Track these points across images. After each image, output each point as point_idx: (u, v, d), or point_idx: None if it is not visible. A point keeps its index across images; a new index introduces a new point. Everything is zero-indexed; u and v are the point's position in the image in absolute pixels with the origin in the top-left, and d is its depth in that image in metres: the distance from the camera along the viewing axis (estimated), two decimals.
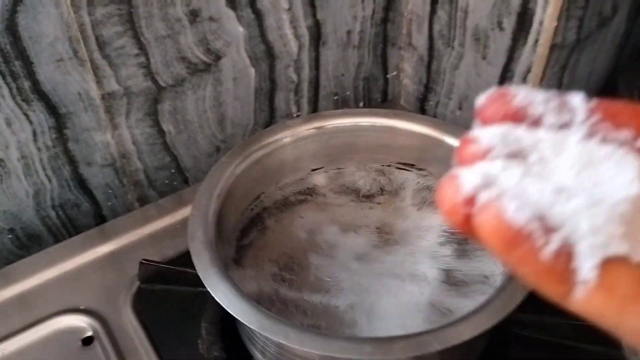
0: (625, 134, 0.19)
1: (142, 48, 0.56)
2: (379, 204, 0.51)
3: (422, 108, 0.78)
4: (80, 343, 0.51)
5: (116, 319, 0.52)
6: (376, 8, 0.70)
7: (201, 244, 0.39)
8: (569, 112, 0.20)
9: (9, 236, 0.60)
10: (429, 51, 0.73)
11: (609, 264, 0.17)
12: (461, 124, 0.69)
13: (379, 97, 0.79)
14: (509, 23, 0.62)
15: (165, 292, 0.52)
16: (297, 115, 0.72)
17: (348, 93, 0.76)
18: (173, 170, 0.66)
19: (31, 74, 0.52)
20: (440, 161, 0.50)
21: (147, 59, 0.57)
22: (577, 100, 0.20)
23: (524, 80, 0.65)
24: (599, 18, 0.62)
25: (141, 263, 0.52)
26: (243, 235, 0.47)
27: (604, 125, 0.19)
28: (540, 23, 0.59)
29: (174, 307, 0.51)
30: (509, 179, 0.17)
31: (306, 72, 0.69)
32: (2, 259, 0.60)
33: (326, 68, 0.71)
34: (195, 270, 0.50)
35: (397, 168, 0.53)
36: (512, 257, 0.17)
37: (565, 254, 0.17)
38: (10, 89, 0.52)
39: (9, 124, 0.53)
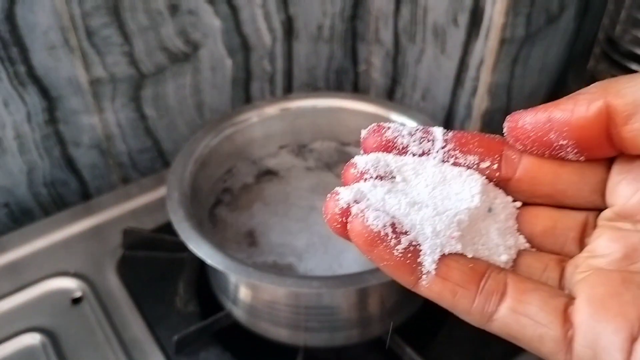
0: (472, 158, 0.24)
1: (126, 38, 0.62)
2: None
3: (390, 99, 0.84)
4: (70, 302, 0.56)
5: (102, 282, 0.57)
6: (345, 5, 0.76)
7: (177, 202, 0.45)
8: (430, 141, 0.25)
9: (4, 210, 0.65)
10: (394, 46, 0.79)
11: (446, 259, 0.22)
12: (424, 113, 0.75)
13: (350, 89, 0.85)
14: (463, 19, 0.69)
15: (147, 258, 0.58)
16: None
17: (320, 85, 0.82)
18: (155, 153, 0.72)
19: (26, 60, 0.57)
20: None
21: (131, 48, 0.63)
22: (437, 131, 0.25)
23: (477, 71, 0.71)
24: (546, 15, 0.69)
25: (125, 231, 0.57)
26: (216, 203, 0.52)
27: (456, 152, 0.24)
28: (490, 19, 0.66)
29: (155, 271, 0.57)
30: (375, 195, 0.23)
31: (280, 64, 0.75)
32: None
33: (299, 60, 0.77)
34: (173, 237, 0.56)
35: (355, 147, 0.59)
36: (372, 255, 0.22)
37: (414, 252, 0.22)
38: (8, 73, 0.57)
39: (6, 104, 0.59)
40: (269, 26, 0.71)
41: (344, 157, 0.62)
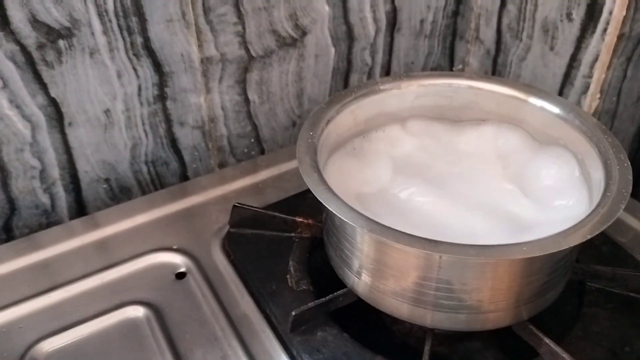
0: None
1: (240, 17, 0.61)
2: None
3: None
4: (174, 277, 0.54)
5: (207, 258, 0.56)
6: (449, 0, 0.74)
7: (309, 166, 0.43)
8: None
9: (104, 186, 0.65)
10: (496, 44, 0.77)
11: None
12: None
13: None
14: (578, 14, 0.66)
15: (253, 236, 0.56)
16: None
17: None
18: (252, 140, 0.71)
19: (144, 31, 0.57)
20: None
21: (244, 28, 0.62)
22: None
23: (591, 68, 0.68)
24: None
25: (234, 206, 0.56)
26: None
27: None
28: (610, 12, 0.63)
29: (262, 249, 0.55)
30: None
31: (380, 56, 0.74)
32: (94, 207, 0.65)
33: (398, 54, 0.75)
34: (283, 215, 0.54)
35: None
36: None
37: None
38: (125, 43, 0.57)
39: (119, 75, 0.58)
40: (375, 16, 0.70)
41: None
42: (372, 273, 0.43)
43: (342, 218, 0.39)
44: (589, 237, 0.37)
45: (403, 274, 0.41)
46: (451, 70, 0.82)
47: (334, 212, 0.39)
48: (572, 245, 0.36)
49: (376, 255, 0.42)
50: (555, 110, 0.50)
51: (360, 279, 0.44)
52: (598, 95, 0.68)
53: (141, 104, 0.62)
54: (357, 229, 0.41)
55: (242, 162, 0.70)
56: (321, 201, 0.40)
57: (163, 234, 0.58)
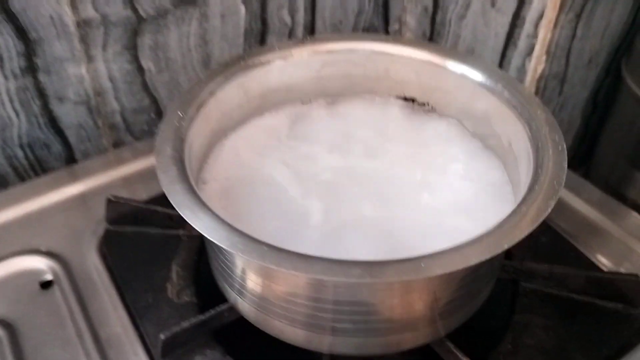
0: None
1: None
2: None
3: None
4: (38, 286, 0.45)
5: (79, 262, 0.47)
6: None
7: (168, 159, 0.34)
8: None
9: None
10: (433, 1, 0.68)
11: None
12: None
13: None
14: None
15: (135, 235, 0.47)
16: None
17: None
18: (153, 115, 0.61)
19: None
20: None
21: None
22: None
23: (535, 27, 0.59)
24: None
25: (109, 200, 0.47)
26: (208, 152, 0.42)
27: None
28: None
29: (144, 250, 0.46)
30: None
31: (301, 16, 0.64)
32: None
33: (323, 13, 0.66)
34: (167, 209, 0.45)
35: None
36: None
37: None
38: None
39: None
40: None
41: None
42: (254, 293, 0.35)
43: (197, 229, 0.30)
44: (502, 249, 0.29)
45: (291, 295, 0.33)
46: (386, 31, 0.73)
47: (188, 220, 0.31)
48: (478, 261, 0.28)
49: (256, 274, 0.34)
50: (479, 78, 0.42)
51: (243, 299, 0.36)
52: (544, 57, 0.60)
53: (5, 77, 0.51)
54: None
55: (140, 142, 0.60)
56: (174, 205, 0.31)
57: (32, 233, 0.49)
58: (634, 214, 0.51)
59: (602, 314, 0.42)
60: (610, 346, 0.40)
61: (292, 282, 0.32)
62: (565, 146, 0.35)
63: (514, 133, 0.38)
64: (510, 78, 0.41)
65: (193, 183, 0.33)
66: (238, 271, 0.35)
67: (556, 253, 0.46)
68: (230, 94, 0.42)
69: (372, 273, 0.28)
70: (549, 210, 0.31)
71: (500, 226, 0.30)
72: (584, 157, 0.78)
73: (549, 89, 0.65)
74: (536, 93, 0.63)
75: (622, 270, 0.46)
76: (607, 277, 0.42)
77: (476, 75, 0.42)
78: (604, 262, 0.47)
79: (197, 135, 0.37)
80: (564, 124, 0.70)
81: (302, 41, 0.45)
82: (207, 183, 0.40)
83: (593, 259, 0.46)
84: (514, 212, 0.31)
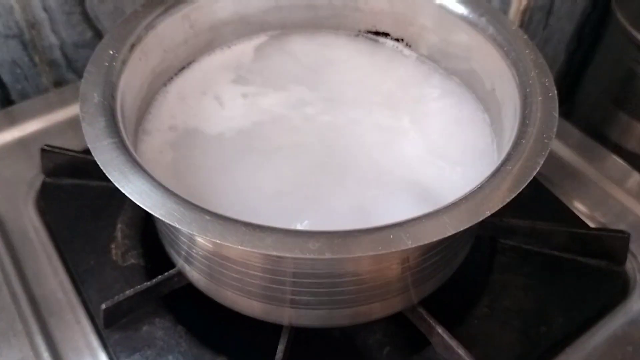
0: None
1: None
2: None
3: None
4: None
5: (14, 218, 0.42)
6: None
7: (96, 108, 0.29)
8: None
9: None
10: None
11: None
12: None
13: None
14: None
15: (75, 188, 0.42)
16: None
17: None
18: None
19: None
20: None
21: None
22: None
23: None
24: None
25: (43, 150, 0.41)
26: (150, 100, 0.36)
27: None
28: None
29: (86, 206, 0.42)
30: None
31: None
32: None
33: None
34: None
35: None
36: None
37: None
38: None
39: None
40: None
41: None
42: (202, 263, 0.31)
43: (126, 193, 0.25)
44: (483, 216, 0.25)
45: (243, 267, 0.29)
46: None
47: (115, 183, 0.26)
48: (455, 231, 0.24)
49: (202, 244, 0.29)
50: (460, 10, 0.36)
51: (191, 267, 0.32)
52: None
53: None
54: None
55: None
56: (99, 164, 0.27)
57: None
58: (614, 157, 0.48)
59: (585, 271, 0.39)
60: (592, 306, 0.38)
61: (244, 255, 0.28)
62: (556, 92, 0.31)
63: (499, 76, 0.34)
64: (495, 11, 0.36)
65: (125, 137, 0.28)
66: (184, 238, 0.31)
67: (538, 206, 0.42)
68: (173, 27, 0.36)
69: (333, 248, 0.24)
70: (537, 169, 0.27)
71: (481, 189, 0.26)
72: (565, 96, 0.74)
73: (534, 22, 0.60)
74: (520, 26, 0.58)
75: (597, 215, 0.43)
76: (592, 234, 0.39)
77: (457, 7, 0.36)
78: (581, 208, 0.43)
79: (133, 78, 0.32)
80: (547, 60, 0.66)
81: None
82: (150, 134, 0.35)
83: (572, 208, 0.43)
84: (496, 172, 0.27)
